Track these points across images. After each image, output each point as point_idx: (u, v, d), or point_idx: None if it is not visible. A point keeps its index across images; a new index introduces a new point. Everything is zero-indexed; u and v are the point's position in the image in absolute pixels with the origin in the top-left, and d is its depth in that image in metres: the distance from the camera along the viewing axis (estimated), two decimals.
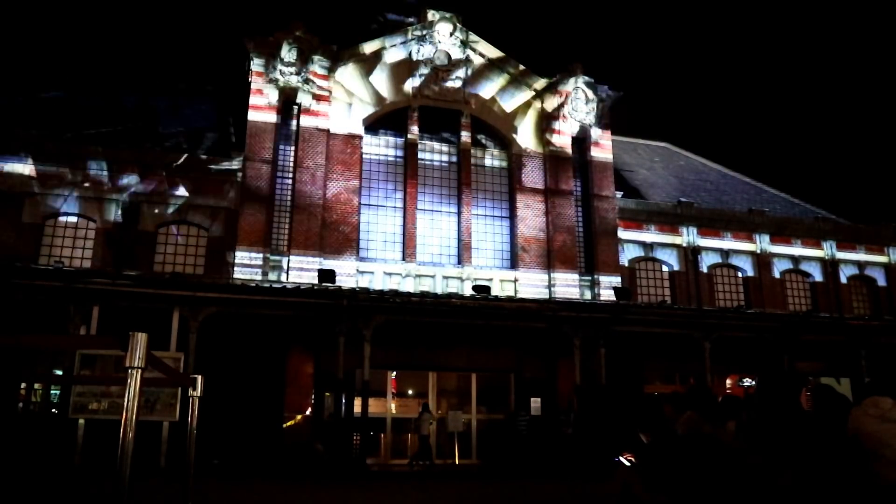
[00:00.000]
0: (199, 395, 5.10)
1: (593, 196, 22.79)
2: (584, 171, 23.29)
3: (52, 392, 16.11)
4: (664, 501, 5.47)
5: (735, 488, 4.76)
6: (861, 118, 65.76)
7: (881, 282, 25.87)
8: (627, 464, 6.10)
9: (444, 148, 22.45)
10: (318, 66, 21.11)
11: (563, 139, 23.02)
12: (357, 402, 16.89)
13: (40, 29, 59.46)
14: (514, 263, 21.60)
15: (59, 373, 15.59)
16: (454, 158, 22.39)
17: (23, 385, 16.66)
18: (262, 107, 20.55)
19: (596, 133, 23.40)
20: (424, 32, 22.74)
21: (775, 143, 66.47)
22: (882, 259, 26.03)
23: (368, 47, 22.22)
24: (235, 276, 18.53)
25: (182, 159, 20.08)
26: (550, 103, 23.27)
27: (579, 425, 17.48)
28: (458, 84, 22.59)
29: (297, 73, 20.84)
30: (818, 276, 25.12)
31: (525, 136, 22.96)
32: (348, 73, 21.80)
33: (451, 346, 19.49)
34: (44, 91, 22.73)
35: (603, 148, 23.41)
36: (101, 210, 19.10)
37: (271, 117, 20.55)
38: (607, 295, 20.98)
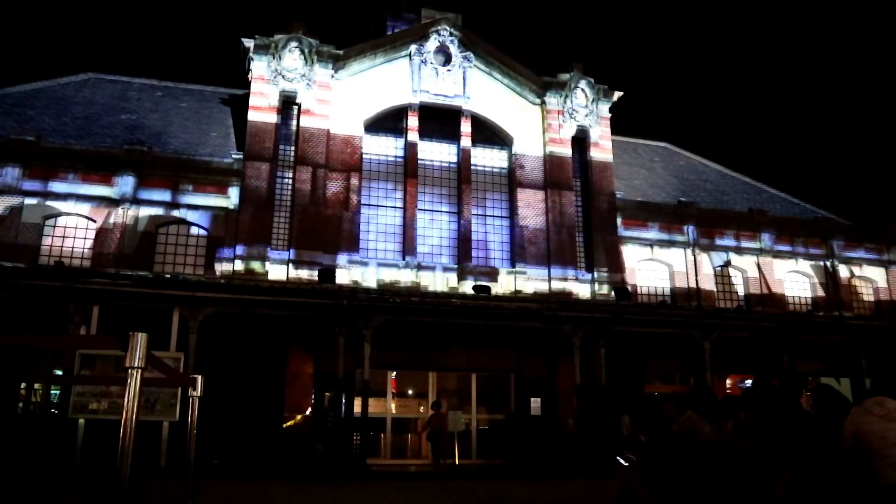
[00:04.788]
0: (199, 395, 5.11)
1: (593, 196, 22.78)
2: (584, 171, 23.28)
3: (52, 392, 16.11)
4: (663, 501, 5.47)
5: (731, 488, 4.76)
6: (861, 118, 65.75)
7: (881, 282, 25.85)
8: (626, 464, 6.11)
9: (444, 148, 22.44)
10: (317, 66, 21.11)
11: (562, 139, 23.02)
12: (357, 402, 16.91)
13: (37, 23, 59.46)
14: (514, 263, 21.59)
15: (59, 373, 15.59)
16: (454, 158, 22.38)
17: (23, 385, 16.68)
18: (262, 107, 20.56)
19: (596, 133, 23.39)
20: (424, 32, 22.73)
21: (775, 143, 66.47)
22: (882, 259, 26.01)
23: (368, 47, 22.22)
24: (235, 276, 18.52)
25: (183, 159, 20.08)
26: (550, 103, 23.27)
27: (578, 425, 17.51)
28: (457, 84, 22.59)
29: (298, 74, 20.84)
30: (818, 277, 25.10)
31: (525, 135, 22.95)
32: (348, 74, 21.80)
33: (451, 346, 19.50)
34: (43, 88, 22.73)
35: (603, 148, 23.41)
36: (101, 210, 19.10)
37: (271, 117, 20.55)
38: (607, 294, 20.98)
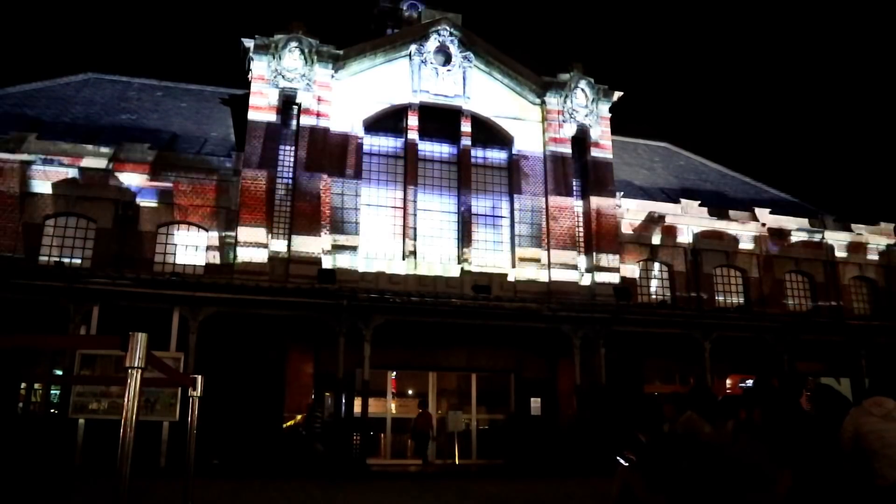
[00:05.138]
0: (199, 395, 5.11)
1: (593, 195, 22.76)
2: (584, 171, 23.27)
3: (52, 392, 16.12)
4: (663, 500, 5.48)
5: (731, 488, 4.76)
6: (860, 118, 65.76)
7: (881, 282, 25.85)
8: (626, 463, 6.12)
9: (444, 147, 22.43)
10: (317, 66, 21.10)
11: (562, 138, 23.00)
12: (357, 402, 16.91)
13: (37, 23, 59.47)
14: (513, 263, 21.59)
15: (59, 373, 15.60)
16: (454, 157, 22.37)
17: (23, 385, 16.69)
18: (261, 107, 20.54)
19: (596, 133, 23.38)
20: (424, 32, 22.72)
21: (775, 143, 66.47)
22: (882, 259, 26.00)
23: (368, 47, 22.21)
24: (235, 275, 18.52)
25: (182, 158, 20.08)
26: (550, 103, 23.26)
27: (579, 425, 17.51)
28: (457, 84, 22.58)
29: (297, 74, 20.83)
30: (818, 276, 25.09)
31: (525, 135, 22.94)
32: (348, 74, 21.79)
33: (450, 346, 19.50)
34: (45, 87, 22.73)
35: (603, 148, 23.39)
36: (101, 210, 19.10)
37: (271, 117, 20.54)
38: (607, 294, 20.97)
